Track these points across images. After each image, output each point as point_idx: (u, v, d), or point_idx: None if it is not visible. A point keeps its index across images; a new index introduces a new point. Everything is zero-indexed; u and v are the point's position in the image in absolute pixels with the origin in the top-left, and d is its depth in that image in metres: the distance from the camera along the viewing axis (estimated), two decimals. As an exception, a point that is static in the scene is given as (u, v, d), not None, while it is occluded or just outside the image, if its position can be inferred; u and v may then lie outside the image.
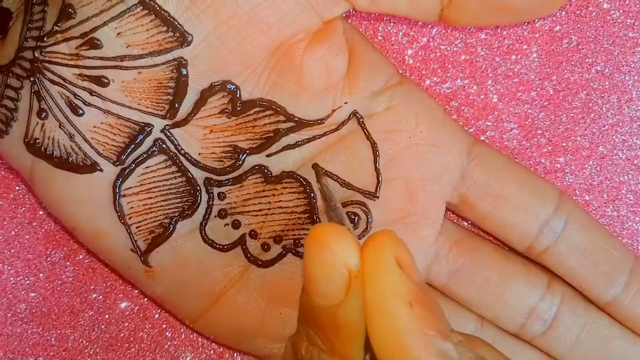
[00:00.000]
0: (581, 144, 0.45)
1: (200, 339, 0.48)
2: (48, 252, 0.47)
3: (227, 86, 0.38)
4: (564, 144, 0.45)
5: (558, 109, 0.45)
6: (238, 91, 0.38)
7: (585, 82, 0.45)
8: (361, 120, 0.40)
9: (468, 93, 0.45)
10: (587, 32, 0.45)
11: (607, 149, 0.45)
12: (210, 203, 0.41)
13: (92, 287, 0.47)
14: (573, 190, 0.46)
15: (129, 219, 0.40)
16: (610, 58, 0.45)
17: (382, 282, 0.28)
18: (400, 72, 0.44)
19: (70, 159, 0.39)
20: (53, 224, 0.47)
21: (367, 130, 0.40)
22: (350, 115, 0.40)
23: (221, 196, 0.41)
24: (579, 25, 0.45)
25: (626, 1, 0.44)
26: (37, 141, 0.38)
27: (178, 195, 0.40)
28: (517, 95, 0.45)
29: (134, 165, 0.39)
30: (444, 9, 0.38)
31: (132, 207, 0.40)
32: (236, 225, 0.41)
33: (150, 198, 0.40)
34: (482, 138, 0.45)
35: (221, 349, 0.48)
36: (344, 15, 0.40)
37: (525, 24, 0.45)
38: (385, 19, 0.45)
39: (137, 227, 0.40)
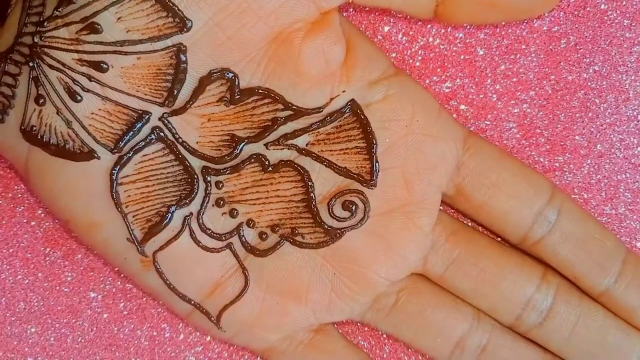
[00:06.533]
0: (579, 142, 0.45)
1: (199, 339, 0.47)
2: (47, 252, 0.47)
3: (226, 74, 0.38)
4: (562, 143, 0.45)
5: (556, 108, 0.45)
6: (236, 79, 0.38)
7: (583, 82, 0.45)
8: (359, 109, 0.40)
9: (467, 92, 0.45)
10: (585, 32, 0.45)
11: (605, 148, 0.45)
12: (207, 192, 0.40)
13: (91, 286, 0.47)
14: (572, 189, 0.46)
15: (126, 207, 0.40)
16: (608, 58, 0.45)
17: None
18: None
19: (67, 146, 0.39)
20: (52, 223, 0.47)
21: (365, 118, 0.40)
22: (347, 104, 0.40)
23: (219, 185, 0.41)
24: (576, 26, 0.45)
25: (623, 2, 0.45)
26: (34, 128, 0.38)
27: (175, 184, 0.40)
28: (516, 95, 0.45)
29: (131, 153, 0.39)
30: (439, 4, 0.39)
31: (129, 196, 0.40)
32: (234, 214, 0.41)
33: (148, 186, 0.40)
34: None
35: (220, 348, 0.47)
36: (343, 13, 0.40)
37: (524, 23, 0.45)
38: (385, 18, 0.45)
39: (133, 216, 0.40)
